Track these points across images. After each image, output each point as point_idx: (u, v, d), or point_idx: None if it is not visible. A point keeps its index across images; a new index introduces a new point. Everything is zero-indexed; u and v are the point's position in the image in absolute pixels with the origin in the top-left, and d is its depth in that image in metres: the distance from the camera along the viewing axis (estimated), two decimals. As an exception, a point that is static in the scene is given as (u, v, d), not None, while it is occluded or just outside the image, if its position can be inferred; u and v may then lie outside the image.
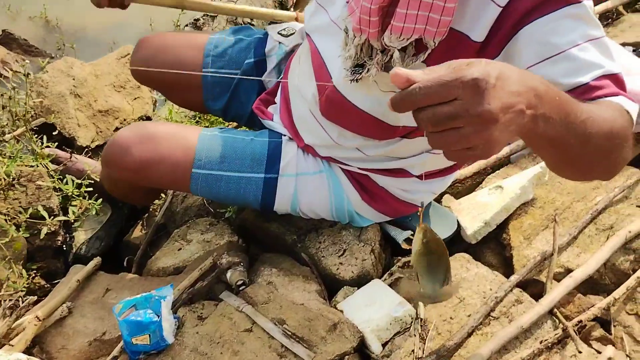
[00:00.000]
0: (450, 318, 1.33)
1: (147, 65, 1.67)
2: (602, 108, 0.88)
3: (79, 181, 1.82)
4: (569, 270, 1.40)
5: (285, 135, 1.50)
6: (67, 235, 1.84)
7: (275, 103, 1.59)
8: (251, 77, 1.61)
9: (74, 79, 2.20)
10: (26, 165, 1.82)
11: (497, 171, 1.74)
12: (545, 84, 0.75)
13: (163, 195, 1.93)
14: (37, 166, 1.83)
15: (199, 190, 1.47)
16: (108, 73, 2.32)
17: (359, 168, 1.41)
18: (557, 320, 1.30)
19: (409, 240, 1.56)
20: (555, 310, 1.31)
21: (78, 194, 1.83)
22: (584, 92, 0.92)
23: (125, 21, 2.39)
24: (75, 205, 1.83)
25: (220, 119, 1.94)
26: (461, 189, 1.74)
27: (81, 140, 2.12)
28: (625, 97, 0.93)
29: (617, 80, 0.95)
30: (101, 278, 1.57)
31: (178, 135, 1.47)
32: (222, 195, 1.48)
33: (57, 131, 2.10)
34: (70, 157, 1.91)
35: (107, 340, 1.37)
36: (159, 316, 1.24)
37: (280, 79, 1.61)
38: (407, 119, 1.24)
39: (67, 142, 2.10)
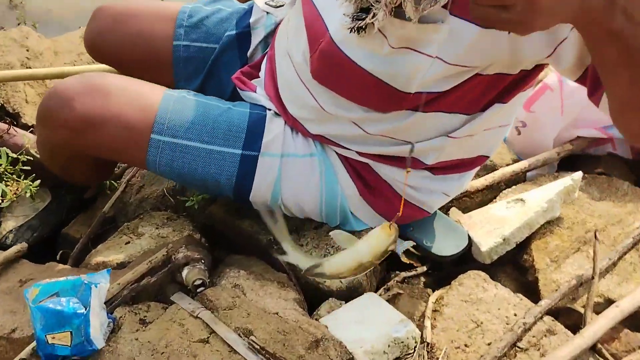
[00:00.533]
0: (465, 345, 1.05)
1: (104, 39, 1.39)
2: None
3: (15, 155, 1.51)
4: (609, 301, 1.14)
5: (270, 110, 1.22)
6: (-6, 222, 1.52)
7: (258, 77, 1.32)
8: None
9: (27, 50, 1.91)
10: (-49, 130, 1.51)
11: (513, 187, 1.48)
12: None
13: (114, 184, 1.63)
14: (-34, 133, 1.52)
15: (158, 163, 1.18)
16: (69, 51, 2.04)
17: (357, 153, 1.14)
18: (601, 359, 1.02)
19: (409, 253, 1.28)
20: (600, 346, 1.03)
21: (12, 171, 1.52)
22: None
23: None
24: (8, 185, 1.52)
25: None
26: (470, 205, 1.47)
27: (27, 118, 1.82)
28: None
29: None
30: (23, 267, 1.25)
31: (136, 90, 1.19)
32: (186, 173, 1.18)
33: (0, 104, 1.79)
34: (9, 129, 1.60)
35: (16, 339, 1.04)
36: (86, 308, 0.93)
37: (266, 51, 1.34)
38: (421, 84, 0.99)
39: (9, 119, 1.79)
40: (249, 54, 1.38)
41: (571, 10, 0.68)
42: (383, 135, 1.10)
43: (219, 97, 1.36)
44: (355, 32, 0.95)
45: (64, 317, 0.91)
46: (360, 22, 0.94)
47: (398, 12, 0.91)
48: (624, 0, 0.67)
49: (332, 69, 1.06)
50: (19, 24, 2.41)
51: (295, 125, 1.18)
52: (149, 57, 1.41)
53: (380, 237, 0.82)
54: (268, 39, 1.39)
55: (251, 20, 1.39)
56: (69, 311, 0.91)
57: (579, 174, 1.40)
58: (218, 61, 1.41)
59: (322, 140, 1.17)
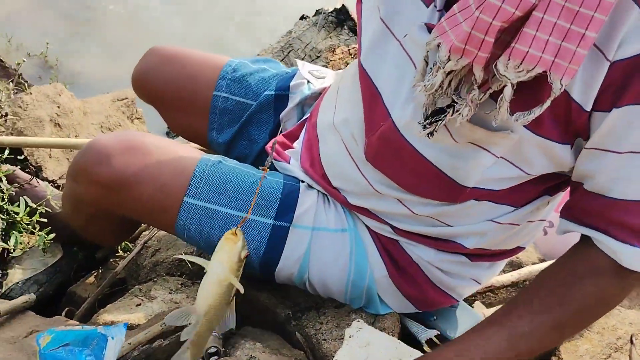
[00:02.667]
0: None
1: (150, 76, 1.41)
2: (565, 293, 0.91)
3: (34, 206, 1.48)
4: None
5: (303, 182, 1.21)
6: (0, 271, 1.47)
7: (292, 148, 1.31)
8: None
9: (58, 107, 1.93)
10: (-25, 176, 1.50)
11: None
12: None
13: (128, 245, 1.59)
14: (-12, 179, 1.50)
15: (188, 227, 1.15)
16: (98, 112, 2.06)
17: (393, 229, 1.11)
18: None
19: (432, 343, 1.23)
20: None
21: (28, 222, 1.49)
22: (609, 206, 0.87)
23: (127, 75, 2.20)
24: (22, 234, 1.49)
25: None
26: (493, 301, 1.43)
27: (48, 172, 1.81)
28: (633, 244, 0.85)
29: None
30: (29, 318, 1.20)
31: (173, 153, 1.18)
32: (214, 239, 1.13)
33: (23, 156, 1.78)
34: (31, 179, 1.59)
35: (15, 392, 0.98)
36: (98, 363, 0.87)
37: (305, 118, 1.35)
38: (480, 180, 0.97)
39: (29, 172, 1.78)
40: (281, 115, 1.39)
41: None
42: (429, 216, 1.07)
43: (246, 154, 1.36)
44: (428, 136, 0.89)
45: (74, 370, 0.86)
46: (437, 123, 0.87)
47: (480, 108, 0.86)
48: None
49: (391, 154, 1.02)
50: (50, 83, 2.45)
51: (334, 194, 1.15)
52: (189, 101, 1.42)
53: (227, 248, 0.77)
54: (304, 107, 1.40)
55: (291, 84, 1.40)
56: (80, 363, 0.86)
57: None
58: (252, 118, 1.42)
59: (359, 211, 1.14)
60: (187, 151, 1.21)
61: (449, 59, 0.82)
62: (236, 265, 0.72)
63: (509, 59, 0.78)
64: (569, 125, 0.86)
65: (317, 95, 1.40)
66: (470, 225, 1.06)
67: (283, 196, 1.16)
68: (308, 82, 1.41)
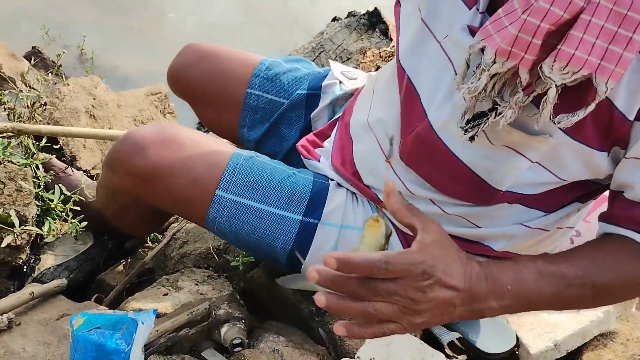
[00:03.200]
0: None
1: (186, 72, 1.44)
2: (604, 258, 0.88)
3: (69, 194, 1.52)
4: None
5: (332, 180, 1.22)
6: (33, 256, 1.51)
7: (323, 146, 1.33)
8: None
9: (94, 99, 1.97)
10: (12, 163, 1.54)
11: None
12: (492, 277, 0.81)
13: (157, 236, 1.62)
14: (25, 166, 1.54)
15: (218, 220, 1.17)
16: (132, 106, 2.10)
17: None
18: None
19: (454, 346, 1.23)
20: None
21: (62, 209, 1.53)
22: None
23: (163, 70, 2.24)
24: (55, 221, 1.53)
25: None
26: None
27: (82, 162, 1.85)
28: None
29: None
30: (60, 302, 1.23)
31: (207, 146, 1.20)
32: (244, 233, 1.17)
33: (58, 145, 1.83)
34: (66, 168, 1.63)
35: (46, 372, 1.00)
36: (128, 346, 0.90)
37: (336, 118, 1.36)
38: (514, 184, 0.97)
39: (65, 161, 1.82)
40: (312, 115, 1.40)
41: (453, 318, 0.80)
42: (460, 216, 1.08)
43: (276, 151, 1.38)
44: (470, 140, 0.90)
45: (105, 352, 0.88)
46: (479, 127, 0.88)
47: (523, 111, 0.85)
48: (485, 303, 0.81)
49: (425, 154, 1.03)
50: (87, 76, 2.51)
51: (365, 192, 1.16)
52: (222, 97, 1.45)
53: (374, 235, 0.77)
54: (335, 107, 1.42)
55: (323, 83, 1.41)
56: (111, 346, 0.89)
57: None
58: (283, 116, 1.43)
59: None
60: (220, 145, 1.23)
61: (494, 62, 0.82)
62: (384, 248, 0.76)
63: (554, 61, 0.78)
64: (609, 133, 0.86)
65: (349, 96, 1.41)
66: (501, 228, 1.06)
67: (312, 193, 1.18)
68: (340, 82, 1.43)
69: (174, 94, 1.58)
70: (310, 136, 1.36)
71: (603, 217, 0.94)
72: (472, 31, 0.89)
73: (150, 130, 1.19)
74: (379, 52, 2.71)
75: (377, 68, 2.67)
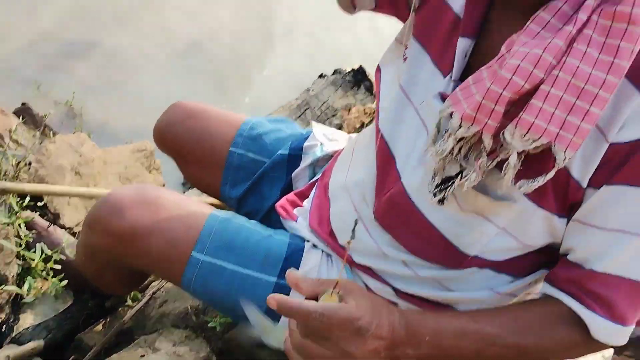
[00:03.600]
0: None
1: (172, 129, 1.48)
2: (530, 321, 0.93)
3: (50, 252, 1.54)
4: None
5: (308, 241, 1.24)
6: (12, 315, 1.51)
7: (302, 206, 1.35)
8: None
9: (80, 156, 2.00)
10: (-5, 222, 1.55)
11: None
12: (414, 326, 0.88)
13: (137, 294, 1.63)
14: (8, 225, 1.55)
15: (194, 281, 1.18)
16: (118, 162, 2.13)
17: (395, 290, 1.13)
18: None
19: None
20: None
21: (43, 268, 1.54)
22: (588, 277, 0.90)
23: (152, 125, 2.29)
24: (35, 280, 1.53)
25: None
26: None
27: (65, 219, 1.86)
28: (604, 315, 0.89)
29: (635, 290, 0.89)
30: (36, 365, 1.23)
31: (185, 208, 1.23)
32: (218, 295, 1.18)
33: (42, 202, 1.85)
34: (49, 227, 1.64)
35: None
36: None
37: (316, 179, 1.39)
38: (481, 250, 1.00)
39: (48, 218, 1.84)
40: (293, 174, 1.43)
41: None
42: (433, 279, 1.09)
43: (257, 209, 1.41)
44: (439, 203, 0.93)
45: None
46: (447, 190, 0.92)
47: (487, 176, 0.90)
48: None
49: (399, 217, 1.06)
50: (74, 132, 2.54)
51: (340, 252, 1.18)
52: (206, 154, 1.48)
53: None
54: (315, 168, 1.45)
55: (305, 144, 1.45)
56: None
57: (610, 352, 1.36)
58: (265, 175, 1.46)
59: (363, 270, 1.16)
60: (198, 207, 1.25)
61: (460, 126, 0.86)
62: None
63: (515, 128, 0.82)
64: (566, 200, 0.90)
65: (329, 157, 1.45)
66: (471, 292, 1.08)
67: (287, 255, 1.19)
68: (321, 144, 1.47)
69: (159, 149, 1.61)
70: (290, 196, 1.39)
71: (546, 278, 0.97)
72: (444, 98, 0.94)
73: (130, 191, 1.22)
74: (364, 109, 2.77)
75: (362, 124, 2.73)
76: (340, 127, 2.70)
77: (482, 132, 0.85)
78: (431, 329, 0.90)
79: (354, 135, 1.48)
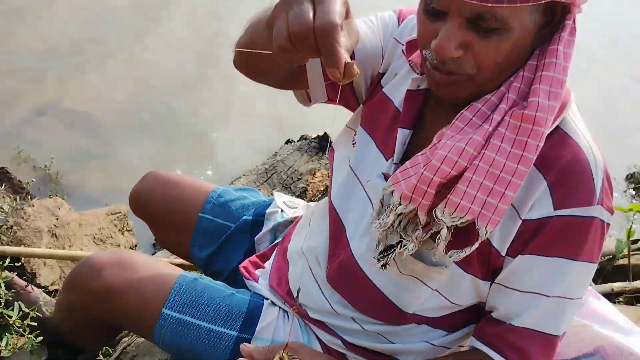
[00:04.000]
0: None
1: (146, 196, 1.62)
2: None
3: (28, 310, 1.64)
4: None
5: (267, 299, 1.39)
6: (-12, 370, 1.60)
7: (263, 267, 1.50)
8: None
9: (57, 219, 2.13)
10: (-25, 282, 1.67)
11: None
12: None
13: (108, 350, 1.73)
14: (-13, 285, 1.67)
15: (163, 335, 1.31)
16: (92, 224, 2.26)
17: (344, 342, 1.27)
18: None
19: None
20: None
21: (20, 325, 1.65)
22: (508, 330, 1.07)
23: (126, 189, 2.42)
24: (12, 336, 1.63)
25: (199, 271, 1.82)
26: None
27: (41, 279, 1.98)
28: None
29: (547, 341, 1.06)
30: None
31: (157, 269, 1.36)
32: (186, 348, 1.31)
33: (20, 263, 1.96)
34: (27, 286, 1.75)
35: None
36: None
37: (277, 242, 1.54)
38: (419, 309, 1.17)
39: (25, 278, 1.94)
40: (256, 238, 1.58)
41: None
42: (377, 333, 1.24)
43: (223, 269, 1.54)
44: (382, 268, 1.11)
45: None
46: (388, 257, 1.09)
47: (423, 245, 1.07)
48: None
49: (347, 279, 1.22)
50: (50, 196, 2.67)
51: (297, 309, 1.33)
52: (178, 219, 1.61)
53: None
54: (276, 232, 1.60)
55: (267, 211, 1.60)
56: None
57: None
58: (230, 239, 1.60)
59: (317, 324, 1.30)
60: (168, 269, 1.39)
61: (399, 204, 1.05)
62: None
63: (445, 207, 1.01)
64: (489, 265, 1.08)
65: (289, 223, 1.60)
66: (410, 345, 1.23)
67: (248, 311, 1.33)
68: (282, 210, 1.63)
69: (134, 214, 1.74)
70: (253, 258, 1.54)
71: (473, 333, 1.13)
72: (387, 177, 1.12)
73: (107, 254, 1.35)
74: (328, 173, 2.95)
75: (326, 188, 2.90)
76: (305, 190, 2.87)
77: (417, 209, 1.03)
78: None
79: (312, 203, 1.64)
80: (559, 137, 1.02)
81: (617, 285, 2.26)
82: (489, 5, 0.88)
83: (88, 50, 3.70)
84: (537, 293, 1.05)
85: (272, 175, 2.88)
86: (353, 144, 1.26)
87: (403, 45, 1.17)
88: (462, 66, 0.96)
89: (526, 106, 0.97)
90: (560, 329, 1.07)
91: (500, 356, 1.07)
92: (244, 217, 1.61)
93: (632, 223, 2.64)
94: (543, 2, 0.89)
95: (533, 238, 1.02)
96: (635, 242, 2.56)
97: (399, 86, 1.17)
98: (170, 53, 3.88)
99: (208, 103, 3.64)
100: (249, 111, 3.64)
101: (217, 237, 1.61)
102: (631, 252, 2.42)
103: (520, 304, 1.06)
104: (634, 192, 3.65)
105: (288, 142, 3.21)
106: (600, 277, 2.45)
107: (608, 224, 1.03)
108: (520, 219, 1.02)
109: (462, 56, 0.94)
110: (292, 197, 1.72)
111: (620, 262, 2.45)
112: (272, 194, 1.77)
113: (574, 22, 0.98)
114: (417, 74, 1.11)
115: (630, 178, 3.71)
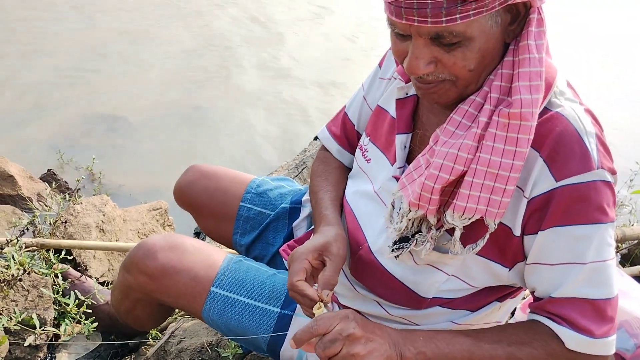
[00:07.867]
0: None
1: (188, 189, 1.73)
2: (515, 329, 1.12)
3: (83, 298, 1.77)
4: None
5: (305, 279, 1.48)
6: (50, 354, 1.73)
7: None
8: None
9: (104, 215, 2.25)
10: (35, 273, 1.80)
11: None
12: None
13: (158, 334, 1.85)
14: (47, 275, 1.80)
15: (212, 311, 1.42)
16: (136, 220, 2.38)
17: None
18: None
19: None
20: None
21: (76, 312, 1.77)
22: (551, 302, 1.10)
23: (163, 185, 2.54)
24: (69, 324, 1.76)
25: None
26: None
27: (92, 271, 2.10)
28: (571, 328, 1.07)
29: (593, 306, 1.07)
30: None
31: (205, 251, 1.47)
32: (233, 323, 1.41)
33: (72, 257, 2.09)
34: (81, 277, 1.88)
35: None
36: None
37: (312, 228, 1.64)
38: (437, 293, 1.24)
39: (79, 269, 2.08)
40: (294, 224, 1.67)
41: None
42: (401, 317, 1.32)
43: (263, 254, 1.64)
44: (395, 257, 1.20)
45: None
46: (403, 249, 1.18)
47: (437, 242, 1.15)
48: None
49: (368, 272, 1.31)
50: (94, 194, 2.81)
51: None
52: (220, 208, 1.71)
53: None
54: (312, 217, 1.69)
55: (303, 198, 1.70)
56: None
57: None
58: (270, 225, 1.70)
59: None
60: (216, 251, 1.50)
61: (409, 210, 1.14)
62: None
63: (453, 212, 1.09)
64: (505, 248, 1.14)
65: None
66: (434, 325, 1.31)
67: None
68: None
69: (178, 206, 1.85)
70: (291, 242, 1.63)
71: (530, 306, 1.19)
72: (397, 179, 1.22)
73: (159, 238, 1.46)
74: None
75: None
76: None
77: (426, 214, 1.12)
78: (424, 333, 1.10)
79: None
80: (547, 114, 1.08)
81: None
82: (443, 25, 0.96)
83: (119, 55, 3.85)
84: (569, 263, 1.08)
85: (302, 170, 2.98)
86: (367, 160, 1.36)
87: (389, 79, 1.31)
88: (439, 76, 1.05)
89: (511, 103, 1.04)
90: (604, 293, 1.08)
91: (552, 322, 1.10)
92: (282, 205, 1.71)
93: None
94: (497, 8, 0.97)
95: (546, 212, 1.07)
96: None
97: (392, 97, 1.28)
98: (198, 49, 3.99)
99: (239, 100, 3.75)
100: (279, 112, 3.75)
101: (257, 224, 1.71)
102: (659, 236, 2.46)
103: (556, 278, 1.10)
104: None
105: (316, 138, 3.30)
106: (629, 260, 2.50)
107: (614, 183, 1.08)
108: (525, 197, 1.08)
109: (435, 69, 1.03)
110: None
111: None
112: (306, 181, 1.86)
113: (539, 13, 1.04)
114: (403, 82, 1.22)
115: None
